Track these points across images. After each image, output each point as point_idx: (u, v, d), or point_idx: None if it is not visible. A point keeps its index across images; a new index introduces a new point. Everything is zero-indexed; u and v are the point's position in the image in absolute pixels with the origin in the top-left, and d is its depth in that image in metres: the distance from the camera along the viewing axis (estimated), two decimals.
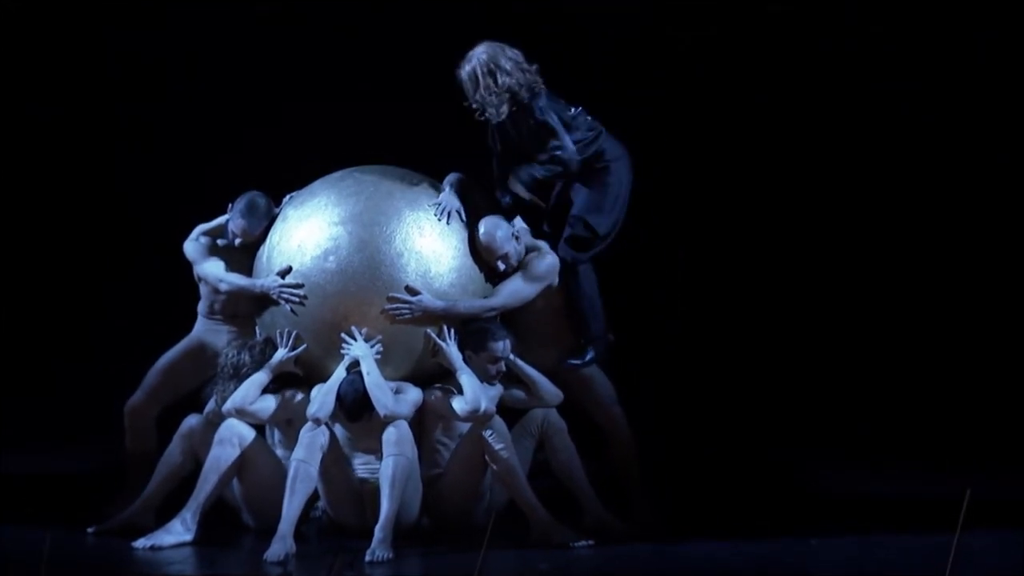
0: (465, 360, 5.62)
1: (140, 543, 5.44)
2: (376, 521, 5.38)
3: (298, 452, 5.45)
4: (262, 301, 5.77)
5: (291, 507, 5.38)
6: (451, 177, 5.85)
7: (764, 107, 7.56)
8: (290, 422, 5.68)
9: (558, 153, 5.74)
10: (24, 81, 7.79)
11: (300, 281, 5.66)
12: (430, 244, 5.69)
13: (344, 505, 5.62)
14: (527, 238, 5.85)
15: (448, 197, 5.77)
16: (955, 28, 7.47)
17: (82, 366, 7.73)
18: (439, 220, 5.72)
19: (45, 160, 7.88)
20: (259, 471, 5.60)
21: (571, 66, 7.32)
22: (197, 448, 5.67)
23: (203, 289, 5.95)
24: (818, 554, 5.42)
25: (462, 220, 5.76)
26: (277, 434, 5.76)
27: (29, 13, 7.73)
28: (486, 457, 5.54)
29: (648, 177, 6.34)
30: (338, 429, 5.62)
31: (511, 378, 5.74)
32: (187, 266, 5.98)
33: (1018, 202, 7.60)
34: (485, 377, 5.62)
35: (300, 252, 5.70)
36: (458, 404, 5.55)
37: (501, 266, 5.76)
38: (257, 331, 5.85)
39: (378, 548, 5.30)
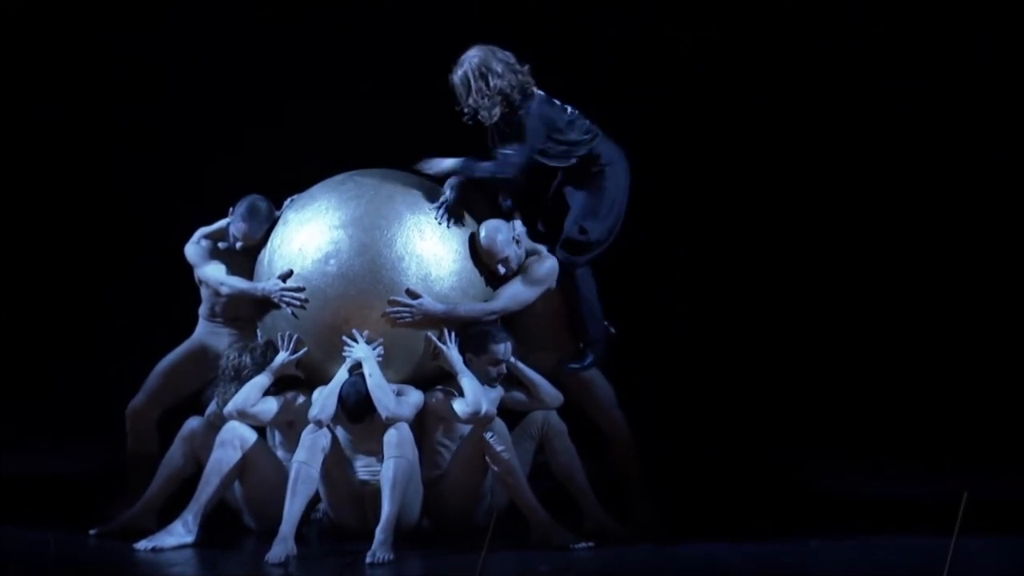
0: (466, 363, 5.63)
1: (141, 545, 5.45)
2: (377, 523, 5.39)
3: (299, 454, 5.46)
4: (263, 304, 5.78)
5: (292, 509, 5.40)
6: (452, 180, 5.85)
7: (764, 107, 7.56)
8: (291, 424, 5.69)
9: (505, 151, 5.73)
10: (24, 81, 7.79)
11: (301, 284, 5.67)
12: (431, 247, 5.69)
13: (345, 507, 5.63)
14: (527, 241, 5.85)
15: (449, 200, 5.77)
16: (955, 28, 7.47)
17: (82, 366, 7.73)
18: (440, 223, 5.73)
19: (45, 160, 7.88)
20: (260, 473, 5.61)
21: (571, 66, 7.34)
22: (198, 450, 5.68)
23: (204, 292, 5.96)
24: (818, 555, 5.42)
25: (463, 223, 5.77)
26: (278, 436, 5.77)
27: (29, 13, 7.73)
28: (487, 459, 5.55)
29: (648, 177, 6.34)
30: (339, 431, 5.63)
31: (511, 380, 5.75)
32: (187, 267, 5.98)
33: (1018, 202, 7.60)
34: (486, 379, 5.63)
35: (301, 255, 5.70)
36: (459, 406, 5.56)
37: (501, 269, 5.76)
38: (258, 334, 5.85)
39: (379, 550, 5.31)
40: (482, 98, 5.70)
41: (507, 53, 5.79)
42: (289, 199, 5.94)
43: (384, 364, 5.59)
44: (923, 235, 7.65)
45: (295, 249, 5.73)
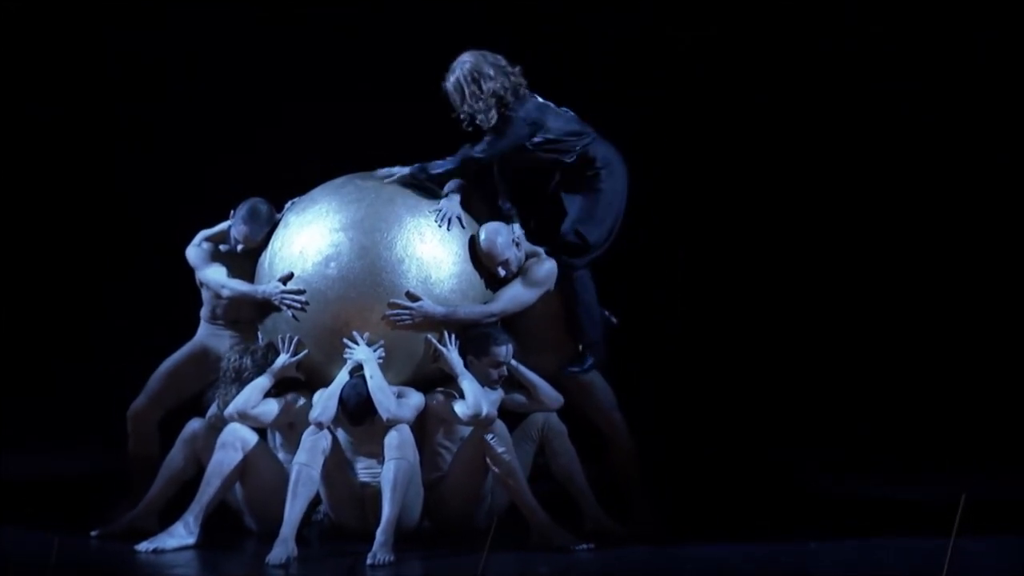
0: (466, 365, 5.64)
1: (143, 546, 5.45)
2: (377, 524, 5.39)
3: (300, 456, 5.47)
4: (264, 307, 5.78)
5: (293, 510, 5.40)
6: (451, 183, 5.87)
7: (764, 107, 7.56)
8: (292, 426, 5.69)
9: (468, 147, 5.75)
10: (24, 81, 7.79)
11: (301, 287, 5.67)
12: (431, 250, 5.70)
13: (345, 508, 5.64)
14: (526, 244, 5.86)
15: (449, 203, 5.78)
16: (955, 28, 7.47)
17: (82, 366, 7.74)
18: (440, 226, 5.73)
19: (45, 160, 7.88)
20: (261, 475, 5.61)
21: (571, 66, 7.35)
22: (199, 452, 5.68)
23: (205, 294, 5.97)
24: (818, 555, 5.43)
25: (462, 226, 5.78)
26: (278, 438, 5.78)
27: (29, 13, 7.72)
28: (487, 460, 5.55)
29: (648, 177, 6.35)
30: (340, 433, 5.64)
31: (512, 382, 5.75)
32: (188, 269, 5.98)
33: (1018, 202, 7.60)
34: (486, 382, 5.64)
35: (302, 258, 5.71)
36: (460, 408, 5.57)
37: (501, 272, 5.77)
38: (259, 336, 5.86)
39: (379, 551, 5.31)
40: (476, 102, 5.72)
41: (497, 56, 5.80)
42: (290, 202, 5.95)
43: (384, 366, 5.59)
44: (923, 235, 7.65)
45: (296, 252, 5.73)
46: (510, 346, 5.67)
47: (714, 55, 7.55)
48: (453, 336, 5.67)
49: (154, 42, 7.66)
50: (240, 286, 5.82)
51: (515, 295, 5.77)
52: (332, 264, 5.66)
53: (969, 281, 7.62)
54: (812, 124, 7.58)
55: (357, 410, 5.54)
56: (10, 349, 7.89)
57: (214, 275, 5.86)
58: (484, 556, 4.83)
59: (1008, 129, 7.54)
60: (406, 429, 5.52)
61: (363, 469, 5.63)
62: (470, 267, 5.76)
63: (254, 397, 5.59)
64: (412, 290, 5.64)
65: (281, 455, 5.72)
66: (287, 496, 5.42)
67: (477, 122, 5.76)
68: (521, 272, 5.80)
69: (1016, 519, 5.86)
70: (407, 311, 5.62)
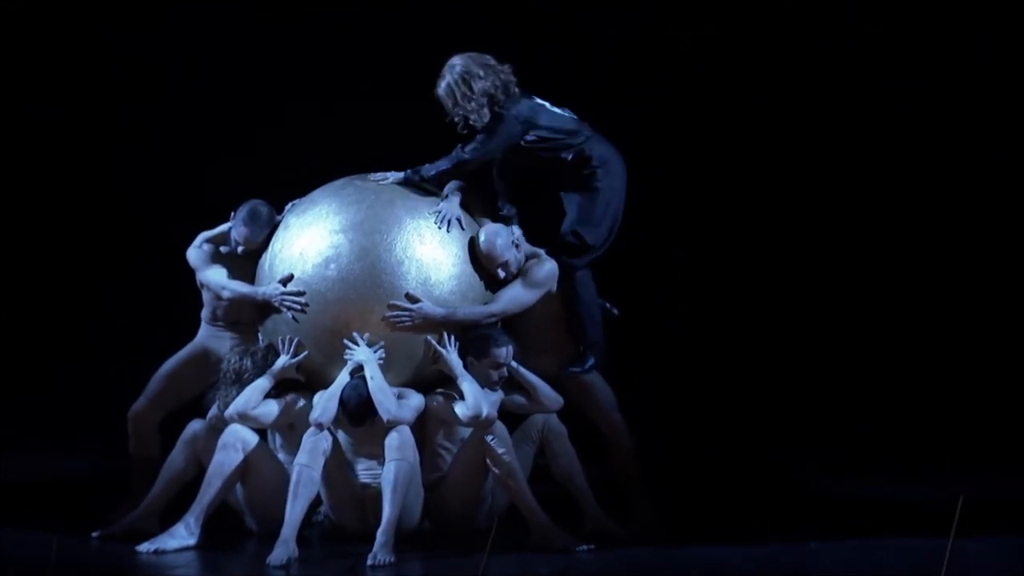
0: (466, 366, 5.64)
1: (144, 547, 5.46)
2: (378, 525, 5.40)
3: (301, 457, 5.48)
4: (264, 308, 5.79)
5: (294, 511, 5.41)
6: (451, 185, 5.88)
7: (764, 107, 7.56)
8: (292, 427, 5.70)
9: (461, 148, 5.75)
10: (24, 81, 7.79)
11: (301, 288, 5.67)
12: (430, 252, 5.70)
13: (346, 509, 5.64)
14: (526, 245, 5.86)
15: (448, 205, 5.78)
16: (955, 28, 7.46)
17: (82, 366, 7.74)
18: (439, 228, 5.73)
19: (45, 160, 7.88)
20: (262, 476, 5.62)
21: (571, 66, 7.35)
22: (200, 453, 5.69)
23: (206, 296, 5.97)
24: (818, 556, 5.43)
25: (462, 228, 5.78)
26: (279, 438, 5.78)
27: (29, 13, 7.72)
28: (487, 461, 5.56)
29: (648, 177, 6.35)
30: (340, 434, 5.64)
31: (512, 384, 5.76)
32: (187, 269, 5.99)
33: (1018, 202, 7.60)
34: (486, 383, 5.64)
35: (302, 260, 5.71)
36: (460, 409, 5.57)
37: (501, 273, 5.77)
38: (259, 337, 5.86)
39: (380, 552, 5.32)
40: (468, 103, 5.74)
41: (486, 56, 5.81)
42: (290, 204, 5.95)
43: (384, 368, 5.59)
44: (923, 235, 7.65)
45: (296, 253, 5.73)
46: (510, 348, 5.68)
47: (714, 55, 7.55)
48: (453, 337, 5.67)
49: (154, 42, 7.66)
50: (240, 287, 5.83)
51: (515, 296, 5.77)
52: (332, 266, 5.66)
53: (969, 281, 7.62)
54: (812, 124, 7.58)
55: (357, 411, 5.55)
56: (10, 349, 7.88)
57: (214, 276, 5.87)
58: (485, 557, 4.83)
59: (1008, 129, 7.54)
60: (406, 430, 5.52)
61: (363, 470, 5.63)
62: (470, 269, 5.77)
63: (254, 398, 5.59)
64: (412, 292, 5.64)
65: (281, 456, 5.73)
66: (288, 497, 5.42)
67: (470, 122, 5.77)
68: (521, 273, 5.81)
69: (1016, 519, 5.86)
70: (407, 312, 5.63)
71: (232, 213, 5.90)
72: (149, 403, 5.99)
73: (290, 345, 5.67)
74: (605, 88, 7.34)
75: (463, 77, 5.75)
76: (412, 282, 5.66)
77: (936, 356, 7.59)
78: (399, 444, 5.47)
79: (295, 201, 5.95)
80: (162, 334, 6.30)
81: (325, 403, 5.55)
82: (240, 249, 5.87)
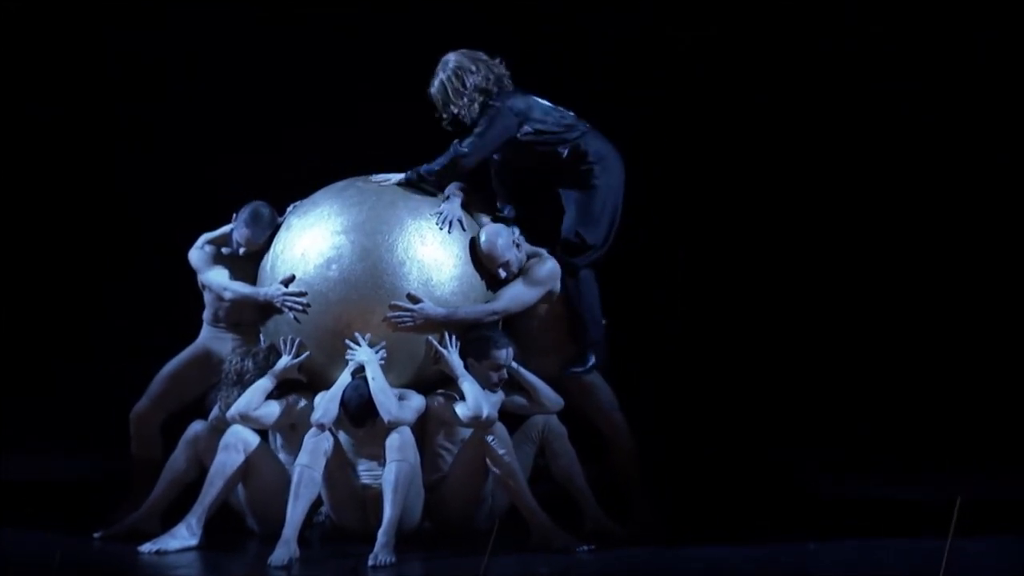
0: (467, 367, 5.64)
1: (146, 548, 5.47)
2: (379, 526, 5.40)
3: (302, 457, 5.48)
4: (266, 309, 5.80)
5: (295, 512, 5.41)
6: (452, 186, 5.89)
7: (764, 107, 7.56)
8: (294, 427, 5.70)
9: (459, 143, 5.75)
10: (24, 81, 7.78)
11: (303, 289, 5.68)
12: (432, 253, 5.71)
13: (347, 510, 5.65)
14: (527, 245, 5.87)
15: (449, 206, 5.79)
16: (955, 28, 7.46)
17: (82, 366, 7.74)
18: (441, 229, 5.74)
19: (45, 160, 7.88)
20: (263, 476, 5.62)
21: (571, 66, 7.35)
22: (202, 454, 5.69)
23: (207, 297, 5.98)
24: (818, 556, 5.43)
25: (463, 229, 5.78)
26: (280, 439, 5.79)
27: (29, 13, 7.72)
28: (487, 462, 5.56)
29: (648, 177, 6.35)
30: (341, 435, 5.65)
31: (512, 385, 5.76)
32: (188, 268, 5.99)
33: (1018, 202, 7.60)
34: (487, 384, 5.64)
35: (303, 261, 5.72)
36: (461, 410, 5.58)
37: (502, 273, 5.78)
38: (261, 339, 5.87)
39: (381, 552, 5.33)
40: (460, 99, 5.76)
41: (477, 52, 5.82)
42: (292, 205, 5.96)
43: (385, 368, 5.60)
44: (923, 235, 7.64)
45: (298, 254, 5.74)
46: (510, 349, 5.68)
47: (714, 55, 7.55)
48: (454, 338, 5.67)
49: (154, 42, 7.66)
50: (242, 288, 5.84)
51: (517, 294, 5.78)
52: (334, 266, 5.67)
53: (969, 281, 7.62)
54: (812, 124, 7.57)
55: (359, 412, 5.55)
56: (10, 349, 7.88)
57: (216, 278, 5.87)
58: (486, 558, 4.83)
59: (1008, 129, 7.53)
60: (407, 431, 5.53)
61: (364, 471, 5.64)
62: (471, 269, 5.77)
63: (256, 399, 5.60)
64: (413, 292, 5.65)
65: (282, 456, 5.73)
66: (289, 498, 5.43)
67: (463, 118, 5.78)
68: (523, 272, 5.82)
69: (1015, 519, 5.86)
70: (408, 313, 5.63)
71: (234, 215, 5.90)
72: (151, 404, 5.99)
73: (292, 346, 5.67)
74: (605, 88, 7.34)
75: (456, 73, 5.78)
76: (413, 283, 5.66)
77: (935, 356, 7.58)
78: (400, 445, 5.48)
79: (297, 202, 5.96)
80: (162, 334, 6.31)
81: (327, 404, 5.55)
82: (242, 251, 5.87)
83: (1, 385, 7.75)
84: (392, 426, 5.51)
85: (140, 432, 5.98)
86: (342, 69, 7.55)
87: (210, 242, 5.93)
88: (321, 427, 5.52)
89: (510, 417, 5.74)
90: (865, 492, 6.57)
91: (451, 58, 5.83)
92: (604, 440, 5.97)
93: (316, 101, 7.57)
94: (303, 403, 5.68)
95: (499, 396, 5.72)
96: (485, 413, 5.52)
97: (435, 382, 5.72)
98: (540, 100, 5.90)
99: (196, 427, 5.76)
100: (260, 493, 5.65)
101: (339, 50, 7.56)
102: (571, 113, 5.93)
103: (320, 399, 5.61)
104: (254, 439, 5.62)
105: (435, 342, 5.66)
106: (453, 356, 5.64)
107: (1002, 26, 7.44)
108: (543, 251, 5.88)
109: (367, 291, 5.64)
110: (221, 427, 5.69)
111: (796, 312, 7.63)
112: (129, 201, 7.79)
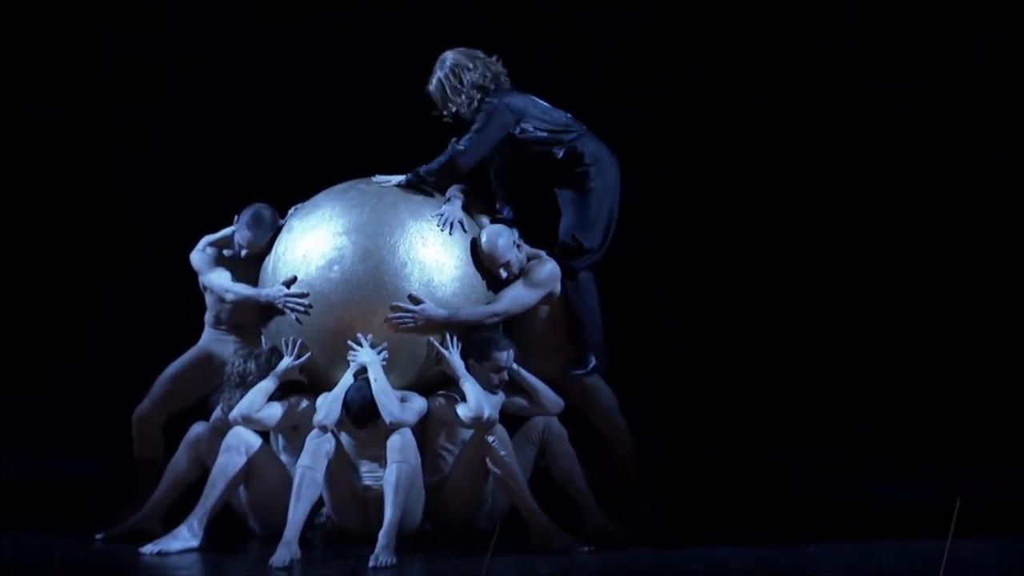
0: (468, 369, 5.65)
1: (147, 549, 5.47)
2: (380, 527, 5.41)
3: (304, 459, 5.49)
4: (267, 311, 5.80)
5: (296, 513, 5.42)
6: (453, 188, 5.89)
7: (764, 107, 7.56)
8: (295, 429, 5.71)
9: (457, 142, 5.76)
10: (24, 81, 7.78)
11: (305, 291, 5.68)
12: (433, 254, 5.71)
13: (348, 511, 5.65)
14: (527, 247, 5.87)
15: (450, 208, 5.79)
16: (955, 28, 7.47)
17: (82, 366, 7.73)
18: (442, 230, 5.74)
19: (45, 160, 7.87)
20: (265, 478, 5.63)
21: (571, 66, 7.35)
22: (204, 455, 5.70)
23: (209, 299, 5.98)
24: (818, 557, 5.44)
25: (464, 230, 5.79)
26: (281, 440, 5.79)
27: (29, 13, 7.71)
28: (488, 463, 5.57)
29: (648, 177, 6.35)
30: (343, 436, 5.65)
31: (513, 386, 5.77)
32: (188, 269, 5.99)
33: (1018, 202, 7.61)
34: (488, 386, 5.65)
35: (305, 262, 5.72)
36: (462, 411, 5.59)
37: (503, 274, 5.79)
38: (263, 340, 5.87)
39: (382, 553, 5.33)
40: (457, 96, 5.78)
41: (476, 50, 5.84)
42: (293, 207, 5.96)
43: (387, 369, 5.61)
44: (923, 235, 7.65)
45: (299, 256, 5.74)
46: (511, 351, 5.69)
47: (714, 55, 7.55)
48: (455, 339, 5.68)
49: (154, 42, 7.65)
50: (244, 290, 5.84)
51: (517, 296, 5.78)
52: (335, 268, 5.67)
53: (969, 281, 7.62)
54: (812, 124, 7.57)
55: (361, 413, 5.56)
56: (10, 349, 7.88)
57: (218, 279, 5.87)
58: (488, 560, 4.84)
59: (1008, 129, 7.53)
60: (408, 432, 5.54)
61: (366, 472, 5.64)
62: (472, 270, 5.78)
63: (258, 400, 5.60)
64: (414, 293, 5.66)
65: (284, 458, 5.73)
66: (291, 499, 5.44)
67: (460, 115, 5.79)
68: (523, 273, 5.83)
69: (1016, 519, 5.87)
70: (409, 314, 5.63)
71: (235, 217, 5.90)
72: (153, 406, 6.00)
73: (294, 347, 5.67)
74: (605, 88, 7.34)
75: (453, 70, 5.80)
76: (415, 284, 5.67)
77: (935, 356, 7.59)
78: (401, 446, 5.48)
79: (298, 204, 5.96)
80: (162, 334, 6.32)
81: (329, 405, 5.56)
82: (244, 252, 5.87)
83: (1, 385, 7.75)
84: (394, 427, 5.52)
85: (142, 433, 5.99)
86: (342, 69, 7.55)
87: (212, 244, 5.93)
88: (323, 428, 5.52)
89: (510, 418, 5.75)
90: (865, 492, 6.57)
91: (448, 56, 5.85)
92: (604, 442, 5.97)
93: (316, 101, 7.57)
94: (305, 404, 5.68)
95: (500, 397, 5.72)
96: (486, 414, 5.53)
97: (436, 383, 5.73)
98: (537, 99, 5.91)
99: (198, 429, 5.76)
100: (262, 494, 5.65)
101: (339, 50, 7.56)
102: (567, 114, 5.94)
103: (322, 400, 5.61)
104: (256, 441, 5.62)
105: (436, 343, 5.67)
106: (454, 357, 5.65)
107: (1002, 26, 7.44)
108: (543, 253, 5.89)
109: (369, 292, 5.64)
110: (223, 429, 5.69)
111: (796, 312, 7.63)
112: (129, 201, 7.79)
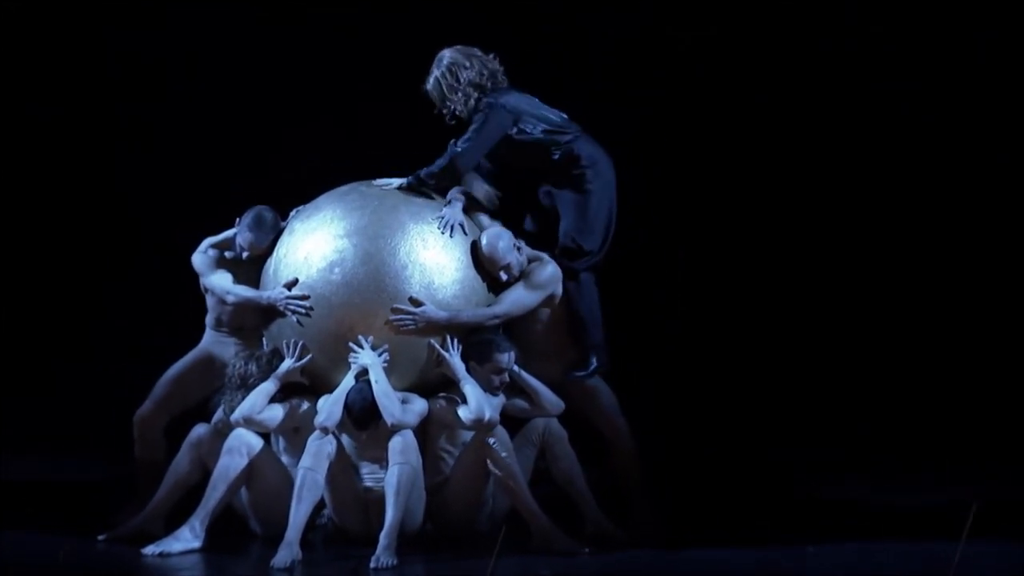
0: (469, 371, 5.65)
1: (149, 550, 5.48)
2: (381, 528, 5.41)
3: (305, 460, 5.49)
4: (269, 313, 5.80)
5: (298, 514, 5.43)
6: (454, 191, 5.89)
7: (764, 107, 7.57)
8: (297, 430, 5.71)
9: (455, 143, 5.77)
10: (24, 81, 7.78)
11: (306, 293, 5.69)
12: (433, 256, 5.72)
13: (349, 512, 5.66)
14: (528, 249, 5.87)
15: (451, 210, 5.80)
16: (955, 28, 7.47)
17: (82, 366, 7.74)
18: (442, 233, 5.75)
19: (45, 160, 7.87)
20: (267, 479, 5.63)
21: (571, 66, 7.35)
22: (205, 457, 5.70)
23: (210, 301, 5.98)
24: (818, 558, 5.44)
25: (465, 232, 5.79)
26: (282, 442, 5.79)
27: (29, 13, 7.71)
28: (489, 464, 5.57)
29: (648, 177, 6.36)
30: (344, 438, 5.65)
31: (513, 388, 5.77)
32: (188, 269, 5.99)
33: (1018, 202, 7.61)
34: (488, 388, 5.65)
35: (306, 264, 5.72)
36: (463, 412, 5.59)
37: (504, 276, 5.79)
38: (264, 343, 5.87)
39: (383, 555, 5.34)
40: (454, 94, 5.78)
41: (472, 48, 5.84)
42: (295, 210, 5.97)
43: (388, 371, 5.61)
44: (923, 235, 7.66)
45: (300, 258, 5.75)
46: (512, 353, 5.69)
47: (714, 55, 7.55)
48: (455, 341, 5.68)
49: (154, 42, 7.66)
50: (245, 292, 5.84)
51: (518, 298, 5.79)
52: (336, 270, 5.68)
53: (969, 281, 7.63)
54: (812, 124, 7.58)
55: (362, 415, 5.56)
56: (10, 349, 7.88)
57: (219, 281, 5.88)
58: (492, 563, 4.85)
59: (1008, 129, 7.54)
60: (410, 434, 5.54)
61: (367, 474, 5.64)
62: (472, 273, 5.78)
63: (259, 402, 5.61)
64: (415, 295, 5.66)
65: (285, 459, 5.74)
66: (292, 500, 5.44)
67: (458, 113, 5.79)
68: (524, 275, 5.83)
69: (1016, 520, 5.87)
70: (410, 316, 5.64)
71: (237, 219, 5.91)
72: (154, 407, 6.00)
73: (295, 349, 5.68)
74: (605, 88, 7.35)
75: (450, 69, 5.81)
76: (416, 286, 5.67)
77: (936, 356, 7.59)
78: (402, 448, 5.49)
79: (300, 207, 5.97)
80: (162, 335, 6.32)
81: (330, 407, 5.56)
82: (245, 255, 5.87)
83: (1, 385, 7.75)
84: (395, 429, 5.52)
85: (144, 435, 5.99)
86: (342, 69, 7.55)
87: (213, 246, 5.93)
88: (324, 430, 5.52)
89: (511, 420, 5.75)
90: (865, 493, 6.57)
91: (445, 54, 5.86)
92: (605, 443, 5.98)
93: (316, 101, 7.57)
94: (306, 406, 5.68)
95: (500, 399, 5.72)
96: (487, 416, 5.53)
97: (437, 385, 5.73)
98: (534, 100, 5.91)
99: (199, 430, 5.76)
100: (263, 496, 5.65)
101: (339, 50, 7.56)
102: (563, 114, 5.94)
103: (323, 402, 5.61)
104: (257, 442, 5.62)
105: (437, 345, 5.67)
106: (455, 359, 5.65)
107: (1002, 26, 7.45)
108: (544, 255, 5.89)
109: (370, 295, 5.65)
110: (224, 430, 5.69)
111: (795, 312, 7.64)
112: (129, 201, 7.79)
